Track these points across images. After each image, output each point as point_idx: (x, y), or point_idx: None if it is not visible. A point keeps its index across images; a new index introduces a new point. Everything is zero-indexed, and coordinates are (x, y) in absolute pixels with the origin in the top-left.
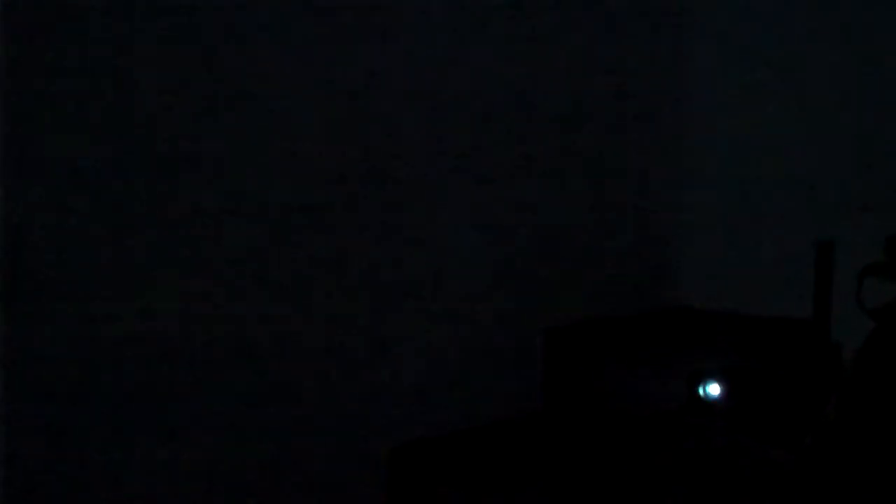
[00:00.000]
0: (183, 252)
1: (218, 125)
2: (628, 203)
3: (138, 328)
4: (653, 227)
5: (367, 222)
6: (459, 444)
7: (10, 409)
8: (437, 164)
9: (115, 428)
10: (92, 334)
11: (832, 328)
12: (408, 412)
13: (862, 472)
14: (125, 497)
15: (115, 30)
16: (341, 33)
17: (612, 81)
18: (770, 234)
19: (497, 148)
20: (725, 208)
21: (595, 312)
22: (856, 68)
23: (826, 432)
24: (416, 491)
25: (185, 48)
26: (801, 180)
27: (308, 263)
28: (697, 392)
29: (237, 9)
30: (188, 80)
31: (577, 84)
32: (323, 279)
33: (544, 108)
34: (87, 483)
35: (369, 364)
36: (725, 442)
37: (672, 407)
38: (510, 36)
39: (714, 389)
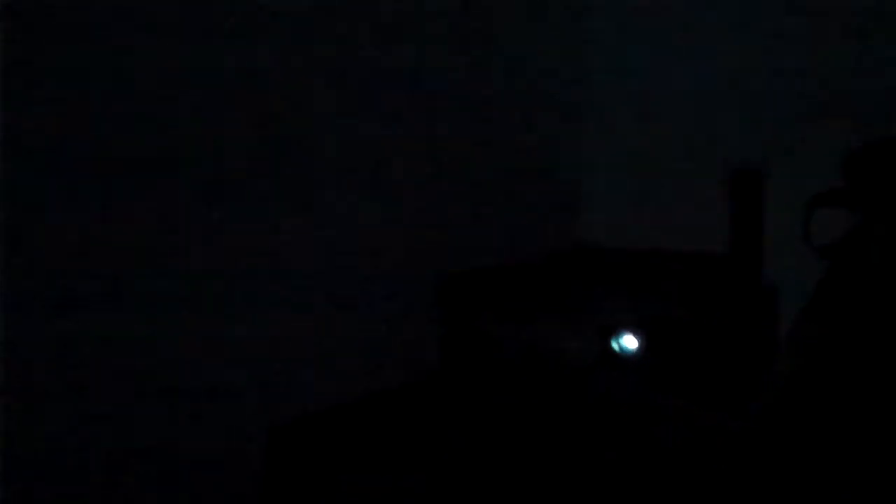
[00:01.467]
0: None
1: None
2: (523, 133)
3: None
4: (551, 157)
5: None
6: (346, 418)
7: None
8: (320, 111)
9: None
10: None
11: (765, 271)
12: (290, 385)
13: (824, 442)
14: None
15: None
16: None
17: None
18: (687, 162)
19: (384, 89)
20: (634, 133)
21: (491, 259)
22: None
23: (779, 396)
24: (299, 472)
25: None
26: (723, 99)
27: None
28: (611, 346)
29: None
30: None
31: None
32: (201, 244)
33: (438, 48)
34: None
35: (245, 335)
36: (646, 402)
37: (582, 363)
38: None
39: (629, 342)
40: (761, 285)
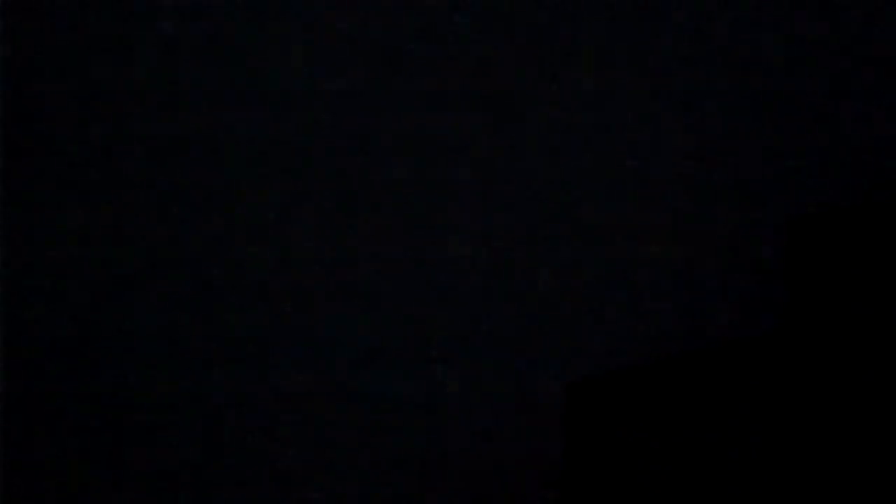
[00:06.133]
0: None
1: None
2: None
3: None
4: None
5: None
6: (664, 374)
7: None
8: None
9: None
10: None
11: None
12: (601, 339)
13: None
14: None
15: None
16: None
17: None
18: None
19: None
20: None
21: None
22: None
23: None
24: (598, 432)
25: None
26: None
27: None
28: None
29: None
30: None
31: None
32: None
33: None
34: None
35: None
36: None
37: None
38: None
39: None
40: None
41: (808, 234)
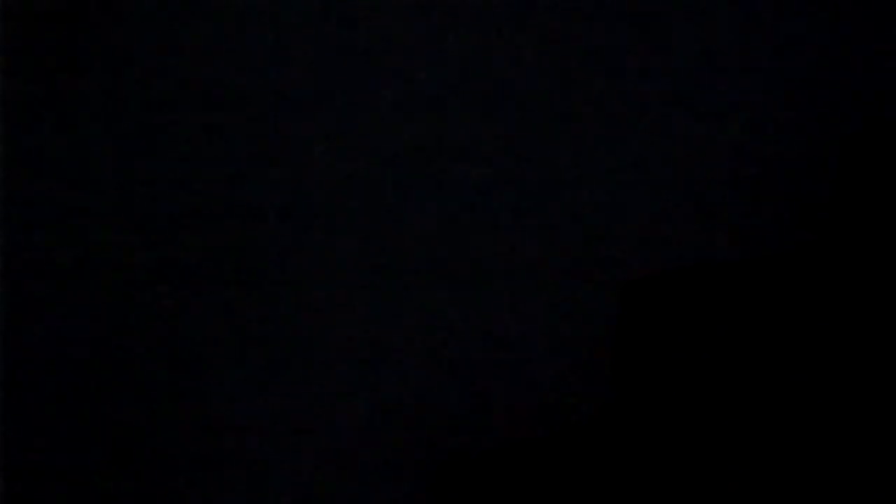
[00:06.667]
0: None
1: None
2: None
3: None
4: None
5: None
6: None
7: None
8: None
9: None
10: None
11: None
12: (648, 242)
13: None
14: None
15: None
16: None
17: None
18: None
19: None
20: None
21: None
22: None
23: None
24: (650, 331)
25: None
26: None
27: None
28: None
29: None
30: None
31: None
32: None
33: None
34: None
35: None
36: None
37: None
38: None
39: None
40: None
41: (861, 149)
